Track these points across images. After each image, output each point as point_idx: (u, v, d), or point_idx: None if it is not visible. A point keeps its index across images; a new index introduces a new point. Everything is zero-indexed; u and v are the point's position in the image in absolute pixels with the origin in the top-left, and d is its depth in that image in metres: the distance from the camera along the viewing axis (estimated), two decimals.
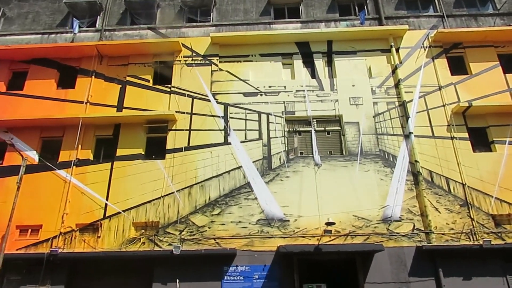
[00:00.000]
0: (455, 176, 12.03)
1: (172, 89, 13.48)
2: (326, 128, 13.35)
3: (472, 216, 11.39)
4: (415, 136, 12.66)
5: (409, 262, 10.72)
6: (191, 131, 12.93)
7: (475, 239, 11.06)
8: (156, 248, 11.14)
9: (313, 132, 13.07)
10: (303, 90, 13.64)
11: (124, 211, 11.78)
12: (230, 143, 12.79)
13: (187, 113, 13.20)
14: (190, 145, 12.76)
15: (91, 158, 12.70)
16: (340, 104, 13.40)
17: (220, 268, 10.79)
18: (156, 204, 11.78)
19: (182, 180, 12.14)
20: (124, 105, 13.31)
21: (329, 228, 11.02)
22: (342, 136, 13.15)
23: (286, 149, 12.78)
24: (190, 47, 14.21)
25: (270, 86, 13.77)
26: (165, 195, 11.89)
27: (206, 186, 12.15)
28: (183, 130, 13.03)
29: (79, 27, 15.06)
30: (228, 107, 13.43)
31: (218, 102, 13.52)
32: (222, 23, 14.95)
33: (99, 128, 13.07)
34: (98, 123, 13.06)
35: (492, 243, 10.67)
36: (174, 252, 10.65)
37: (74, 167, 12.28)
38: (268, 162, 12.59)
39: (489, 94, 13.06)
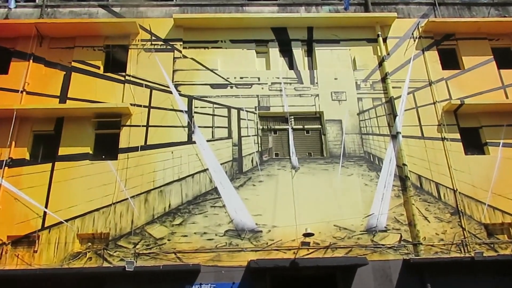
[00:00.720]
0: (446, 181, 12.39)
1: (127, 78, 13.41)
2: (305, 127, 13.56)
3: (463, 226, 11.76)
4: (403, 136, 13.00)
5: (395, 276, 10.93)
6: (149, 128, 12.90)
7: (466, 250, 11.40)
8: (106, 264, 10.99)
9: (290, 130, 13.24)
10: (280, 83, 13.77)
11: (67, 220, 11.58)
12: (194, 142, 12.82)
13: (145, 106, 13.15)
14: (148, 143, 12.73)
15: (27, 157, 12.38)
16: (321, 99, 13.65)
17: (182, 286, 10.76)
18: (106, 212, 11.65)
19: (137, 184, 12.08)
20: (69, 96, 13.16)
21: (307, 240, 11.11)
22: (322, 136, 13.39)
23: (260, 150, 12.91)
24: (149, 29, 14.21)
25: (241, 78, 13.87)
26: (117, 202, 11.75)
27: (166, 192, 12.12)
28: (139, 126, 12.95)
29: (16, 1, 14.84)
30: (193, 100, 13.46)
31: (181, 95, 13.48)
32: (187, 3, 14.88)
33: (37, 122, 12.79)
34: (37, 116, 12.78)
35: (484, 254, 10.95)
36: (127, 269, 10.49)
37: (6, 168, 12.02)
38: (238, 165, 12.68)
39: (482, 92, 13.54)
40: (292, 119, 13.58)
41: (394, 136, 13.15)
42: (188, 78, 13.79)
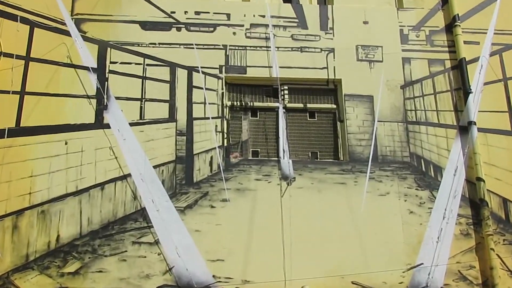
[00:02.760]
0: None
1: None
2: (309, 106, 12.71)
3: None
4: (479, 129, 12.51)
5: None
6: (26, 97, 12.05)
7: None
8: None
9: (281, 111, 12.57)
10: (266, 25, 13.00)
11: None
12: (108, 127, 11.96)
13: (19, 57, 12.29)
14: (22, 125, 11.88)
15: None
16: (338, 58, 12.75)
17: None
18: None
19: (1, 198, 11.32)
20: None
21: None
22: (338, 124, 12.65)
23: (226, 145, 12.19)
24: None
25: (197, 13, 13.05)
26: None
27: (52, 214, 11.40)
28: (7, 92, 11.98)
29: None
30: (108, 50, 12.53)
31: (85, 38, 12.57)
32: None
33: None
34: None
35: None
36: None
37: None
38: (186, 169, 11.94)
39: None
40: (286, 92, 12.77)
41: (464, 129, 12.64)
42: (101, 9, 12.94)
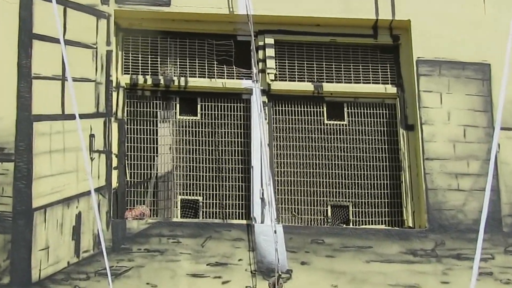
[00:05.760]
0: None
1: None
2: (326, 89, 7.61)
3: None
4: None
5: None
6: None
7: None
8: None
9: (257, 101, 7.37)
10: None
11: None
12: None
13: None
14: None
15: None
16: None
17: None
18: None
19: None
20: None
21: None
22: (401, 133, 7.60)
23: (117, 184, 7.52)
24: None
25: None
26: None
27: None
28: None
29: None
30: None
31: None
32: None
33: None
34: None
35: None
36: None
37: None
38: (12, 250, 7.68)
39: None
40: (271, 51, 7.58)
41: None
42: None
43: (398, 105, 7.09)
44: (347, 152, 7.03)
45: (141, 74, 7.13)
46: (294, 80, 7.05)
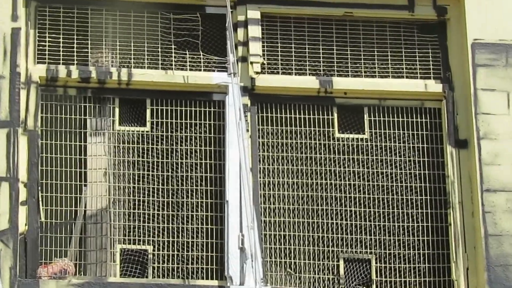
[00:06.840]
0: None
1: None
2: (337, 87, 6.45)
3: None
4: None
5: None
6: None
7: None
8: None
9: (237, 103, 5.78)
10: None
11: None
12: None
13: None
14: None
15: None
16: None
17: None
18: None
19: None
20: None
21: None
22: (450, 154, 6.49)
23: (26, 226, 6.35)
24: None
25: None
26: None
27: None
28: None
29: None
30: None
31: None
32: None
33: None
34: None
35: None
36: None
37: None
38: None
39: None
40: (256, 28, 6.16)
41: None
42: None
43: (445, 110, 5.57)
44: (367, 181, 5.33)
45: (63, 64, 5.32)
46: (291, 73, 5.40)
